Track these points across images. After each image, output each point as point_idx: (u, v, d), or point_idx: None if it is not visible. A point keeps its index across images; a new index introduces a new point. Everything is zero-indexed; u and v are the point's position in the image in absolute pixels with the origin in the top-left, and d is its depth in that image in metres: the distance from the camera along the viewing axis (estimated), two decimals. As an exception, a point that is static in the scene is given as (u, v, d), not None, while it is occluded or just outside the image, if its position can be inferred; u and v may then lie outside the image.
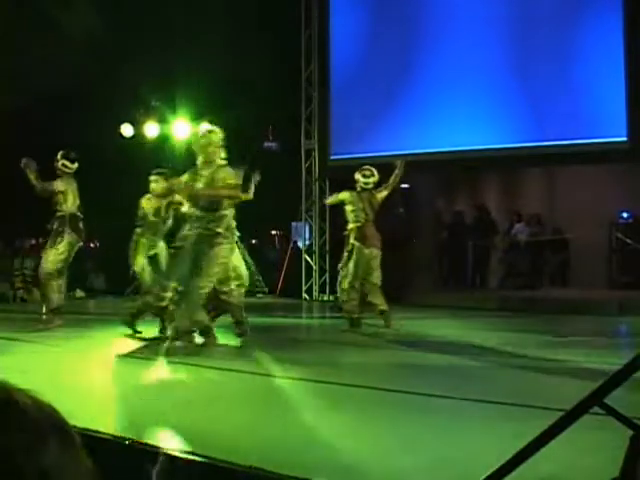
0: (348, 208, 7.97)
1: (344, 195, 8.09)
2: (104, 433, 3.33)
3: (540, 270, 13.19)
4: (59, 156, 7.93)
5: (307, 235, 13.57)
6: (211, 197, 6.21)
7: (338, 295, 8.36)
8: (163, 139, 12.92)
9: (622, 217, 12.42)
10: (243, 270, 7.05)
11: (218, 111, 12.56)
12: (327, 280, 13.07)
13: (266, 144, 15.58)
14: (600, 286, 11.85)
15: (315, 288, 13.14)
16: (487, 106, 11.44)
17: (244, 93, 12.38)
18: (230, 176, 6.30)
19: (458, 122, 11.25)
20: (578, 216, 12.07)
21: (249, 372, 5.44)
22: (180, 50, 13.21)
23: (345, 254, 7.98)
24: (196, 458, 3.00)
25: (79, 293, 12.42)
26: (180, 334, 6.18)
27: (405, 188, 14.65)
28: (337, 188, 13.72)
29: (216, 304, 6.77)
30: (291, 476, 2.74)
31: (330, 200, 8.96)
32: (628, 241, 12.00)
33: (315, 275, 13.14)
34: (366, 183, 7.94)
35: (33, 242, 14.97)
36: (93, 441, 3.23)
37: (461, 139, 11.42)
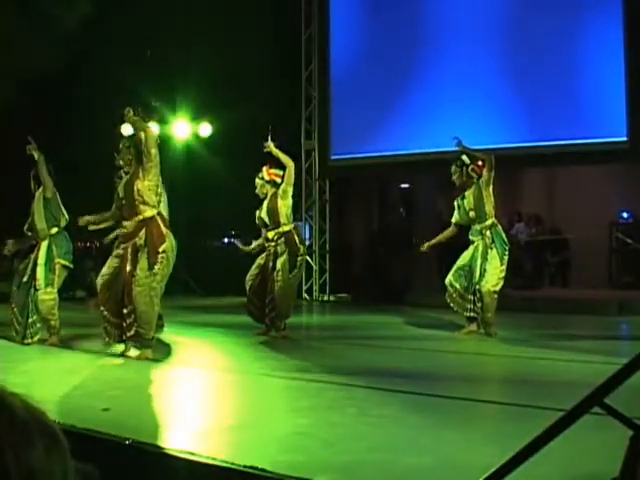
0: None
1: None
2: (104, 433, 3.33)
3: (540, 270, 13.17)
4: None
5: (307, 235, 13.57)
6: None
7: None
8: (163, 139, 12.91)
9: (622, 217, 12.40)
10: None
11: (218, 111, 12.60)
12: (327, 280, 13.07)
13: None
14: (600, 286, 11.84)
15: (315, 288, 13.13)
16: (487, 106, 11.44)
17: (244, 93, 12.36)
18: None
19: (459, 122, 11.22)
20: (578, 216, 12.06)
21: (247, 372, 5.45)
22: (180, 50, 13.21)
23: None
24: (196, 458, 3.00)
25: (79, 293, 12.41)
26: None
27: (405, 188, 14.66)
28: (337, 188, 13.80)
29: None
30: (291, 476, 2.74)
31: None
32: (628, 241, 11.99)
33: (315, 275, 13.13)
34: None
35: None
36: (93, 441, 3.23)
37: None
